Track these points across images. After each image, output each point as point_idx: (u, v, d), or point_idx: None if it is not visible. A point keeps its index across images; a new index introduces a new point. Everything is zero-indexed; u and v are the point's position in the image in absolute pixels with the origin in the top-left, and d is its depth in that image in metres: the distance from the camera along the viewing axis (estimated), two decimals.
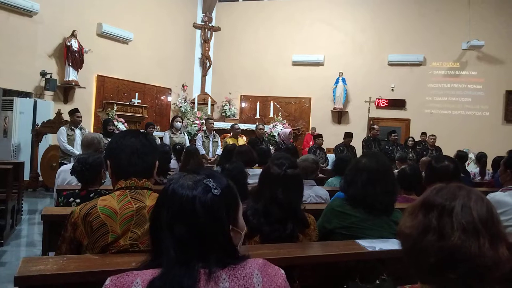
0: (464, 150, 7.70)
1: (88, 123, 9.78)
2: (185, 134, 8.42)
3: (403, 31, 12.09)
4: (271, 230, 1.91)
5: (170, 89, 12.36)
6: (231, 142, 6.95)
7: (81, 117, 6.84)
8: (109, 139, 2.26)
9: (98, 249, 1.52)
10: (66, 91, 9.59)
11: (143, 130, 7.32)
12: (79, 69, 9.55)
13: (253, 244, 1.90)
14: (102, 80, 10.54)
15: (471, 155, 8.52)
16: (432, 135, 9.19)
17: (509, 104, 11.44)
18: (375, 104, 12.03)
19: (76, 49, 9.38)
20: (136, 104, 9.98)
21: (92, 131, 9.09)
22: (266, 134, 9.96)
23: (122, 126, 8.48)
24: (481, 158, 7.40)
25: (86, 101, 9.96)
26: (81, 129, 6.83)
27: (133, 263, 1.41)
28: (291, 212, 1.97)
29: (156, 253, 1.00)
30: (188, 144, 7.50)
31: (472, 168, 7.52)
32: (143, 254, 1.47)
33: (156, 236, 1.00)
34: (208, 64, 13.35)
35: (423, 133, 9.65)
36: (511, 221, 2.54)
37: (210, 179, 1.02)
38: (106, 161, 1.73)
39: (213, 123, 8.30)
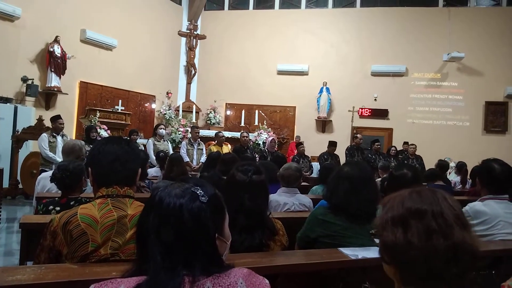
0: (446, 159, 7.84)
1: (70, 130, 9.63)
2: (168, 141, 8.36)
3: (386, 42, 12.32)
4: (241, 241, 1.86)
5: (154, 96, 12.30)
6: (215, 150, 6.93)
7: (63, 123, 6.73)
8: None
9: (78, 259, 1.49)
10: (48, 97, 9.44)
11: (126, 137, 7.24)
12: (61, 75, 9.42)
13: None
14: (85, 87, 10.42)
15: (452, 164, 8.67)
16: (412, 145, 9.34)
17: (489, 114, 11.73)
18: (358, 113, 12.18)
19: (59, 55, 9.26)
20: (119, 111, 9.85)
21: (74, 138, 8.96)
22: (251, 142, 9.97)
23: (105, 133, 8.37)
24: (461, 167, 7.54)
25: (68, 107, 9.82)
26: (63, 136, 6.72)
27: (114, 272, 1.40)
28: (258, 219, 1.94)
29: (141, 261, 0.99)
30: (171, 151, 7.44)
31: (452, 177, 7.65)
32: (124, 263, 1.46)
33: (142, 243, 0.99)
34: (193, 72, 13.34)
35: (405, 143, 9.80)
36: (490, 230, 2.58)
37: (198, 187, 1.03)
38: (88, 168, 1.70)
39: (199, 132, 8.27)
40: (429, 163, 8.20)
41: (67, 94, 9.65)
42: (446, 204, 1.05)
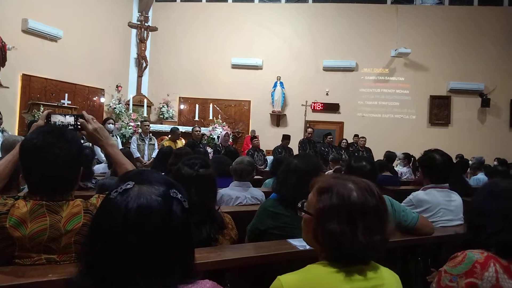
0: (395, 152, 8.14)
1: (12, 125, 9.09)
2: (118, 137, 8.08)
3: (337, 38, 12.60)
4: None
5: (103, 89, 11.84)
6: (167, 145, 6.79)
7: (1, 118, 6.31)
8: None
9: (3, 261, 1.38)
10: None
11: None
12: (1, 68, 8.84)
13: None
14: (28, 80, 9.85)
15: (399, 154, 9.04)
16: (362, 137, 9.66)
17: (433, 108, 12.34)
18: (311, 107, 12.38)
19: None
20: (65, 105, 9.43)
21: (16, 133, 8.48)
22: (206, 137, 9.87)
23: None
24: (410, 157, 7.93)
25: (9, 101, 9.24)
26: (2, 131, 6.31)
27: (50, 274, 1.32)
28: (205, 214, 1.92)
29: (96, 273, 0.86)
30: (120, 147, 7.19)
31: (399, 168, 7.98)
32: (61, 265, 1.39)
33: (107, 256, 0.86)
34: (144, 65, 12.95)
35: (355, 135, 10.11)
36: (432, 217, 2.70)
37: (175, 191, 0.93)
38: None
39: (149, 125, 8.03)
40: (378, 155, 8.51)
41: (8, 87, 9.07)
42: (378, 197, 1.16)
